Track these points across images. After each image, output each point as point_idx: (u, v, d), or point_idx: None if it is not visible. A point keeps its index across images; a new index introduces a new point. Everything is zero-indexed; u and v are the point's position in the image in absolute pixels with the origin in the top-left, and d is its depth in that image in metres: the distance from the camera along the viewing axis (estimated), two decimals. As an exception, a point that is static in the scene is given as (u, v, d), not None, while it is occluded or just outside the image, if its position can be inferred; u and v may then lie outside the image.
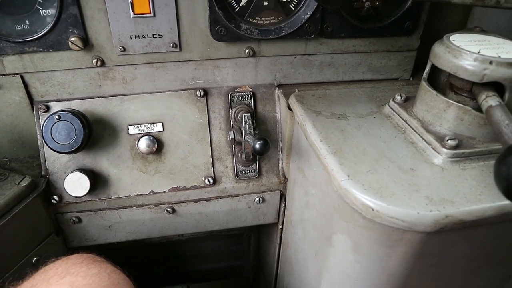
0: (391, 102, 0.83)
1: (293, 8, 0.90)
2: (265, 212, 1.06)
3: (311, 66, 0.99)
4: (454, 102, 0.68)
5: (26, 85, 0.89)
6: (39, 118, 0.91)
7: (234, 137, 0.91)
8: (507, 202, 0.58)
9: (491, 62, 0.62)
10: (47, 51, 0.85)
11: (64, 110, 0.86)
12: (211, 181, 0.96)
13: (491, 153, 0.67)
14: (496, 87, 0.64)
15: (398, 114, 0.80)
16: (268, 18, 0.90)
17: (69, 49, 0.85)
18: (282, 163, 1.00)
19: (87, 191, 0.89)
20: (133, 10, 0.83)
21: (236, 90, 0.99)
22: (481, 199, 0.60)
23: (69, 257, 0.68)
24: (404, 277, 0.67)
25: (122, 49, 0.87)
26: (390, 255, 0.64)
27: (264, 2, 0.88)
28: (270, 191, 1.02)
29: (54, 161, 0.91)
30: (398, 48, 1.00)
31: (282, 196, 1.04)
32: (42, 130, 0.85)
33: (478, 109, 0.65)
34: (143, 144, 0.92)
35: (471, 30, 0.75)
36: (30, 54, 0.86)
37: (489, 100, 0.61)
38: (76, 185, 0.88)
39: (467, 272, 0.73)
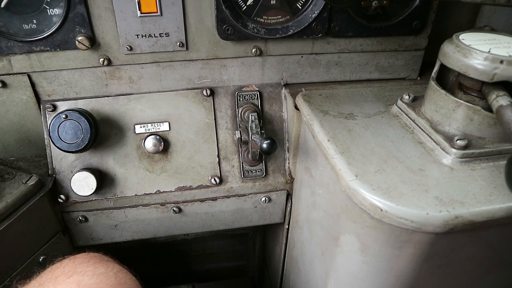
0: (399, 102, 0.82)
1: (300, 7, 0.89)
2: (271, 212, 1.06)
3: (318, 65, 0.99)
4: (463, 102, 0.67)
5: (33, 84, 0.90)
6: (46, 117, 0.91)
7: (241, 136, 0.91)
8: (517, 203, 0.58)
9: (502, 61, 0.61)
10: (54, 50, 0.86)
11: (71, 109, 0.86)
12: (218, 180, 0.96)
13: (501, 154, 0.67)
14: (507, 86, 0.63)
15: (406, 114, 0.79)
16: (275, 17, 0.90)
17: (76, 48, 0.85)
18: (288, 163, 1.00)
19: (93, 190, 0.89)
20: (140, 9, 0.83)
21: (243, 89, 0.98)
22: (491, 200, 0.59)
23: (76, 256, 0.68)
24: (412, 278, 0.66)
25: (129, 48, 0.87)
26: (398, 256, 0.64)
27: (271, 1, 0.88)
28: (277, 191, 1.01)
29: (61, 160, 0.91)
30: (406, 48, 0.99)
31: (289, 196, 1.03)
32: (49, 129, 0.85)
33: (488, 108, 0.65)
34: (149, 143, 0.92)
35: (480, 29, 0.74)
36: (37, 54, 0.86)
37: (500, 99, 0.61)
38: (82, 184, 0.88)
39: (476, 273, 0.72)
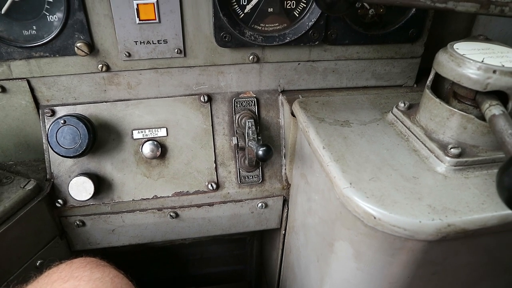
0: (395, 110, 0.83)
1: (297, 15, 0.90)
2: (267, 217, 1.06)
3: (315, 72, 0.99)
4: (457, 111, 0.68)
5: (32, 90, 0.90)
6: (45, 122, 0.92)
7: (238, 142, 0.92)
8: (509, 211, 0.58)
9: (494, 71, 0.62)
10: (54, 56, 0.86)
11: (70, 115, 0.87)
12: (214, 186, 0.96)
13: (495, 162, 0.67)
14: (500, 96, 0.64)
15: (401, 122, 0.80)
16: (272, 25, 0.91)
17: (75, 54, 0.85)
18: (285, 169, 1.00)
19: (91, 195, 0.89)
20: (138, 16, 0.84)
21: (240, 96, 0.99)
22: (484, 208, 0.59)
23: (73, 260, 0.69)
24: (406, 285, 0.67)
25: (127, 54, 0.88)
26: (391, 263, 0.64)
27: (269, 9, 0.89)
28: (273, 196, 1.02)
29: (59, 165, 0.92)
30: (402, 55, 1.00)
31: (285, 201, 1.04)
32: (47, 134, 0.86)
33: (482, 117, 0.65)
34: (147, 148, 0.93)
35: (475, 38, 0.75)
36: (36, 59, 0.87)
37: (493, 109, 0.61)
38: (80, 189, 0.89)
39: (470, 280, 0.72)
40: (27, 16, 0.83)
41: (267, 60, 0.95)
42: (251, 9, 0.88)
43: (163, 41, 0.88)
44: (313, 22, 0.89)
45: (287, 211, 1.05)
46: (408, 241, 0.59)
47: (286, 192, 1.02)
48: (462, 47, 0.70)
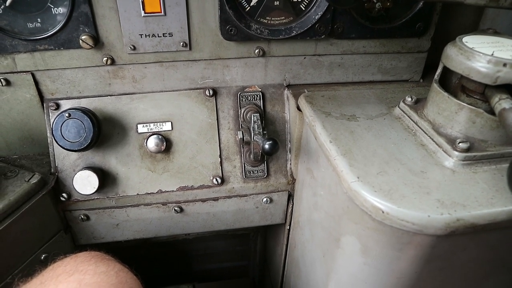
0: (402, 104, 0.82)
1: (303, 8, 0.90)
2: (272, 212, 1.06)
3: (321, 66, 0.99)
4: (466, 105, 0.67)
5: (36, 83, 0.90)
6: (49, 116, 0.91)
7: (243, 137, 0.91)
8: (519, 206, 0.58)
9: (505, 65, 0.61)
10: (58, 49, 0.86)
11: (74, 108, 0.86)
12: (219, 180, 0.96)
13: (504, 157, 0.67)
14: (510, 89, 0.63)
15: (408, 116, 0.79)
16: (278, 18, 0.90)
17: (80, 47, 0.85)
18: (290, 164, 1.00)
19: (95, 189, 0.89)
20: (144, 9, 0.83)
21: (245, 90, 0.98)
22: (493, 203, 0.59)
23: (78, 254, 0.69)
24: (413, 280, 0.66)
25: (132, 47, 0.87)
26: (399, 258, 0.64)
27: (275, 2, 0.88)
28: (278, 191, 1.01)
29: (63, 158, 0.91)
30: (409, 50, 0.99)
31: (290, 196, 1.04)
32: (52, 128, 0.86)
33: (491, 111, 0.65)
34: (151, 143, 0.93)
35: (484, 32, 0.74)
36: (41, 52, 0.86)
37: (503, 102, 0.61)
38: (85, 183, 0.88)
39: (477, 276, 0.72)
40: (32, 8, 0.82)
41: (273, 54, 0.94)
42: (257, 2, 0.87)
43: (168, 34, 0.87)
44: (319, 15, 0.88)
45: (292, 206, 1.04)
46: (416, 235, 0.59)
47: (291, 187, 1.01)
48: (471, 41, 0.69)
